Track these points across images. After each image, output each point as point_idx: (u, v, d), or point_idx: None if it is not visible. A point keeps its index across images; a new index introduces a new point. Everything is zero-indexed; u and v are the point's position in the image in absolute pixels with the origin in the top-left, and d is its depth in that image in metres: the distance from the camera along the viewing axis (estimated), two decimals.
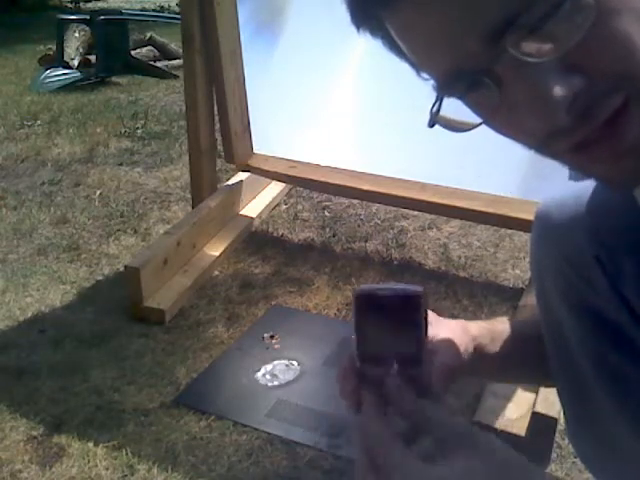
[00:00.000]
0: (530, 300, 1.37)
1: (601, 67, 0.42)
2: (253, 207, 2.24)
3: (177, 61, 4.67)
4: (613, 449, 0.81)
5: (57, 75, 4.23)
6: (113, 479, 1.18)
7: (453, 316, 1.70)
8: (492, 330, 0.78)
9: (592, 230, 0.72)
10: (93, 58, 4.50)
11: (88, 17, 4.66)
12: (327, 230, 2.15)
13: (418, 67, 0.48)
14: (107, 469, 1.20)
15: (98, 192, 2.47)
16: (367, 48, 2.04)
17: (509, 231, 2.01)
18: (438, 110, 0.48)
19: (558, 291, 0.77)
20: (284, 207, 2.33)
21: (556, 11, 0.40)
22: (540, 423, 1.21)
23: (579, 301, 0.75)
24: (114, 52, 4.44)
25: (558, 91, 0.41)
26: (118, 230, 2.16)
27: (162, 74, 4.49)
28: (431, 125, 0.50)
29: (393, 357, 0.54)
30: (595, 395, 0.78)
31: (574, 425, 0.86)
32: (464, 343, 0.69)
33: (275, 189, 2.35)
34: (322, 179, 1.98)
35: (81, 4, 9.61)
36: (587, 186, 0.75)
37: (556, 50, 0.41)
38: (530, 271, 0.81)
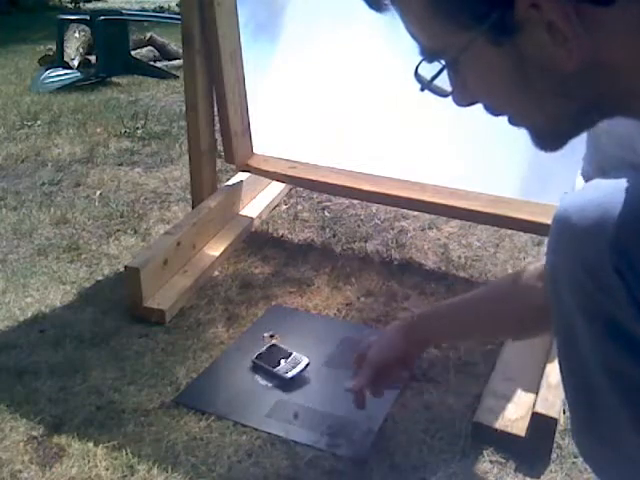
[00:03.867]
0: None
1: (479, 100, 0.64)
2: (253, 207, 2.24)
3: (177, 61, 4.67)
4: (620, 452, 0.81)
5: (57, 75, 4.23)
6: (113, 479, 1.18)
7: None
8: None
9: (612, 238, 0.71)
10: (93, 58, 4.50)
11: (88, 17, 4.65)
12: (327, 230, 2.15)
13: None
14: (107, 469, 1.20)
15: (98, 192, 2.47)
16: (367, 48, 2.04)
17: (509, 231, 2.01)
18: (433, 79, 0.63)
19: (574, 299, 0.76)
20: (284, 207, 2.33)
21: (441, 71, 0.61)
22: (540, 423, 1.21)
23: (595, 310, 0.74)
24: (114, 52, 4.43)
25: (462, 104, 0.65)
26: (118, 230, 2.16)
27: (162, 74, 4.49)
28: (422, 89, 0.65)
29: None
30: (606, 402, 0.77)
31: (579, 425, 0.86)
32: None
33: (275, 189, 2.35)
34: (322, 179, 1.98)
35: (81, 4, 9.62)
36: (608, 192, 0.73)
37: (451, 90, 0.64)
38: (545, 277, 0.81)
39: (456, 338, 1.29)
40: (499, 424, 1.25)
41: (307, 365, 1.44)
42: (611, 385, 0.76)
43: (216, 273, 1.89)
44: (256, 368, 1.47)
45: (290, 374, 1.42)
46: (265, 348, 1.50)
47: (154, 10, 8.21)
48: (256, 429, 1.29)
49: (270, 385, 1.42)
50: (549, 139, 0.64)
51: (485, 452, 1.23)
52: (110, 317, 1.67)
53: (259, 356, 1.48)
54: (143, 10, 7.85)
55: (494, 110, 0.64)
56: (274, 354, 1.48)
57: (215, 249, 1.95)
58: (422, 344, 1.15)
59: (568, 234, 0.75)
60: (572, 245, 0.74)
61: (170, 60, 4.89)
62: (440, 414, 1.33)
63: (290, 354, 1.46)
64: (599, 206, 0.73)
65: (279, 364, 1.45)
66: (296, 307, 1.72)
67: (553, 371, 1.30)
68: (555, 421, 1.20)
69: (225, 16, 1.87)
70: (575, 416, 0.86)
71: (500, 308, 1.05)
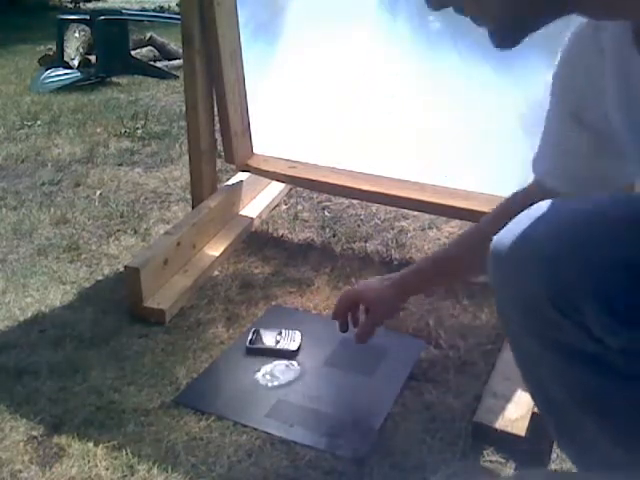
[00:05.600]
0: None
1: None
2: (253, 207, 2.24)
3: (177, 61, 4.67)
4: (598, 457, 0.82)
5: (57, 75, 4.23)
6: (113, 479, 1.18)
7: (453, 316, 1.71)
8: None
9: (546, 276, 0.74)
10: (93, 58, 4.50)
11: (88, 17, 4.66)
12: (327, 230, 2.15)
13: None
14: (107, 469, 1.20)
15: (98, 192, 2.47)
16: (367, 49, 2.04)
17: None
18: None
19: (524, 329, 0.79)
20: (284, 207, 2.33)
21: None
22: (540, 423, 1.20)
23: (546, 336, 0.77)
24: (114, 52, 4.44)
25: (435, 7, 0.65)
26: (118, 230, 2.16)
27: (162, 74, 4.49)
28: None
29: None
30: (575, 418, 0.80)
31: (559, 438, 0.89)
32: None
33: (275, 189, 2.35)
34: (322, 179, 1.98)
35: (81, 4, 9.63)
36: (540, 227, 0.76)
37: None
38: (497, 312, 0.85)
39: (438, 287, 1.51)
40: (499, 424, 1.25)
41: (302, 336, 1.55)
42: (574, 402, 0.78)
43: (216, 273, 1.89)
44: (253, 352, 1.51)
45: (294, 346, 1.51)
46: (252, 336, 1.55)
47: (154, 10, 8.21)
48: (256, 429, 1.29)
49: (270, 385, 1.42)
50: (507, 32, 0.63)
51: (485, 452, 1.23)
52: (110, 317, 1.67)
53: (252, 342, 1.54)
54: (143, 10, 7.85)
55: (462, 10, 0.64)
56: (267, 335, 1.55)
57: (215, 249, 1.95)
58: (407, 298, 1.37)
59: (505, 272, 0.79)
60: (510, 282, 0.78)
61: (170, 60, 4.89)
62: (440, 414, 1.33)
63: (281, 331, 1.56)
64: (528, 237, 0.75)
65: (278, 342, 1.52)
66: (296, 307, 1.72)
67: None
68: None
69: (225, 16, 1.87)
70: (553, 432, 0.89)
71: (470, 255, 1.14)
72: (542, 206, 0.77)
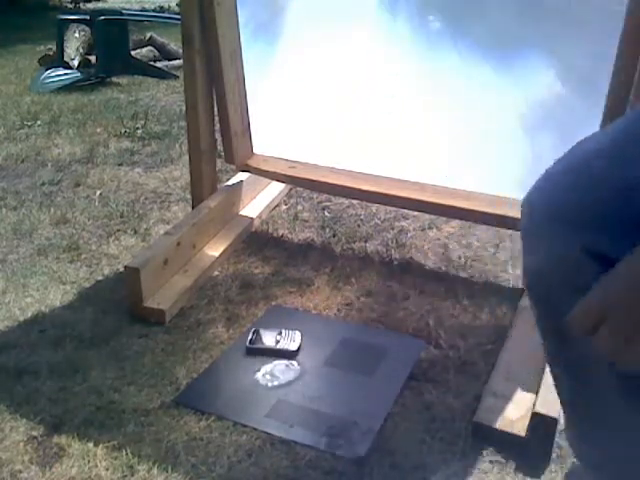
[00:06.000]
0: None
1: None
2: (253, 207, 2.24)
3: (177, 61, 4.67)
4: (611, 430, 0.81)
5: (57, 75, 4.23)
6: (113, 479, 1.18)
7: (453, 316, 1.71)
8: None
9: (576, 216, 0.73)
10: (93, 58, 4.50)
11: (88, 17, 4.65)
12: (327, 230, 2.15)
13: None
14: (107, 469, 1.20)
15: (98, 192, 2.47)
16: (367, 49, 2.04)
17: (509, 231, 2.01)
18: None
19: (560, 286, 0.77)
20: (284, 207, 2.33)
21: None
22: (540, 423, 1.21)
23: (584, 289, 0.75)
24: (114, 52, 4.43)
25: None
26: (118, 230, 2.16)
27: (162, 74, 4.49)
28: None
29: None
30: (597, 376, 0.78)
31: (574, 425, 0.87)
32: None
33: (275, 189, 2.35)
34: (322, 179, 1.98)
35: (81, 4, 9.61)
36: (568, 176, 0.75)
37: None
38: (523, 272, 0.83)
39: None
40: (499, 424, 1.25)
41: (302, 337, 1.55)
42: (612, 376, 0.76)
43: (216, 273, 1.89)
44: (253, 352, 1.52)
45: (294, 346, 1.52)
46: (252, 336, 1.56)
47: (154, 10, 8.20)
48: (256, 429, 1.29)
49: (270, 385, 1.42)
50: None
51: (485, 452, 1.23)
52: (110, 317, 1.67)
53: (252, 342, 1.54)
54: (143, 10, 7.84)
55: None
56: (267, 335, 1.56)
57: (215, 249, 1.95)
58: None
59: (534, 227, 0.78)
60: (539, 239, 0.77)
61: (170, 60, 4.89)
62: (440, 414, 1.33)
63: (281, 331, 1.56)
64: (560, 185, 0.75)
65: (278, 342, 1.53)
66: (296, 307, 1.72)
67: None
68: (555, 421, 1.20)
69: (225, 16, 1.87)
70: (571, 417, 0.87)
71: None
72: (564, 156, 0.77)
